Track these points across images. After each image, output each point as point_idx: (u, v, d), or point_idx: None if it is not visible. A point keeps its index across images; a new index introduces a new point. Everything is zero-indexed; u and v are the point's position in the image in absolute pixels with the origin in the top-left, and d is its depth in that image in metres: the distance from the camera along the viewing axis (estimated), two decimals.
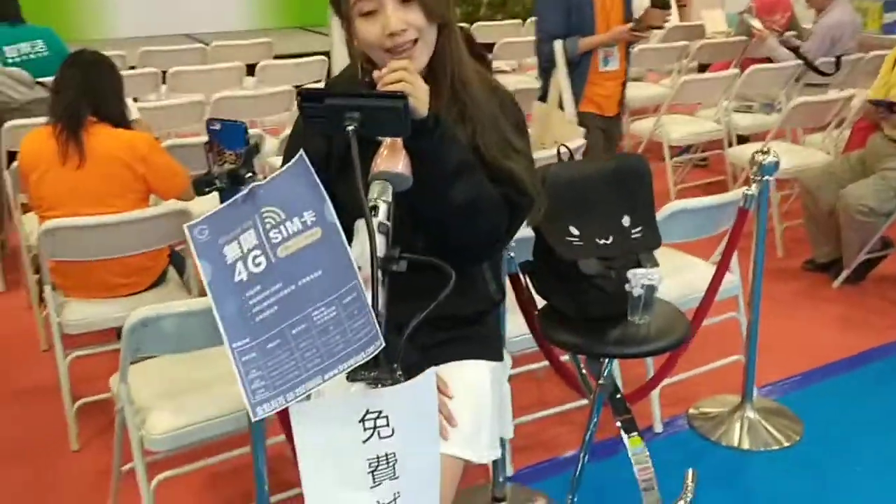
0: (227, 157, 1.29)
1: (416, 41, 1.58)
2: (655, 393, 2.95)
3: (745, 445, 2.88)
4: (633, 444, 2.19)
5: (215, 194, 1.48)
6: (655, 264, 2.12)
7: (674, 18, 6.85)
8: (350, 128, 1.32)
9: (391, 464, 1.22)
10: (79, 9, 8.23)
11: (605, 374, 2.18)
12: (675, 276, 2.99)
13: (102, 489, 2.61)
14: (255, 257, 1.22)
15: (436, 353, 1.71)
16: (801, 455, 2.84)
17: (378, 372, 1.22)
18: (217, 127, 1.29)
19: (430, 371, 1.23)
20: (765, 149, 2.73)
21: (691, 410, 3.07)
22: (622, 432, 2.20)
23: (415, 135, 1.48)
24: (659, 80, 6.53)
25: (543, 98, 3.96)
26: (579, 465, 2.34)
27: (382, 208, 1.38)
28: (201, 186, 1.31)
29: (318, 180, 1.23)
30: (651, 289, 2.00)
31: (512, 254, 2.29)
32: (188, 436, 2.24)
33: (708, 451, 2.87)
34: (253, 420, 1.17)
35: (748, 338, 2.93)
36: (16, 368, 3.40)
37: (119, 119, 2.87)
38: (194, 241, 1.25)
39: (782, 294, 4.02)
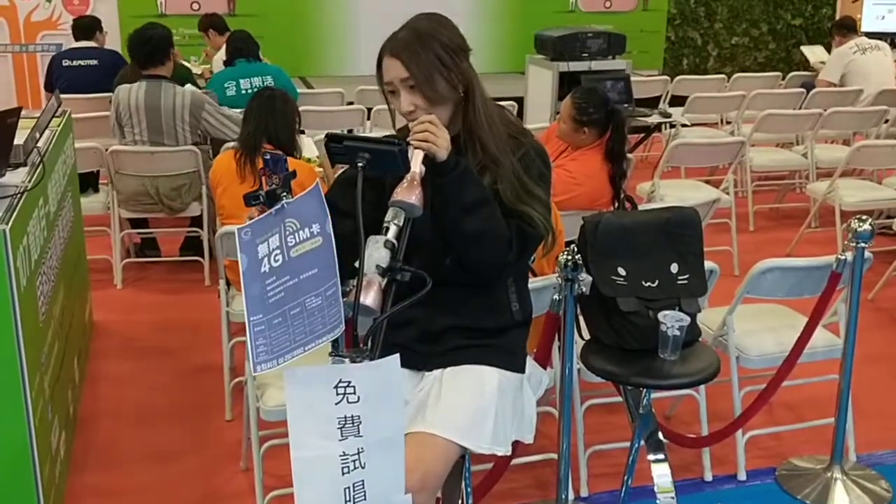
0: (274, 179, 1.71)
1: None
2: (741, 441, 3.06)
3: None
4: (662, 491, 2.37)
5: None
6: (697, 310, 2.32)
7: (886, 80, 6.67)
8: (360, 164, 1.70)
9: (356, 424, 1.58)
10: (324, 47, 9.28)
11: (644, 403, 2.39)
12: (778, 333, 3.11)
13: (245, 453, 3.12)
14: (276, 255, 1.62)
15: (460, 354, 2.05)
16: None
17: (351, 351, 1.59)
18: (268, 157, 1.71)
19: (394, 357, 1.58)
20: (862, 217, 2.81)
21: (781, 464, 3.14)
22: (652, 471, 2.39)
23: (436, 173, 1.85)
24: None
25: None
26: (623, 488, 2.55)
27: (392, 229, 1.74)
28: (249, 199, 1.72)
29: (325, 202, 1.62)
30: (680, 329, 2.21)
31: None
32: None
33: None
34: (253, 374, 1.57)
35: (839, 400, 2.97)
36: (199, 348, 4.06)
37: (289, 147, 3.41)
38: (240, 239, 1.68)
39: None
